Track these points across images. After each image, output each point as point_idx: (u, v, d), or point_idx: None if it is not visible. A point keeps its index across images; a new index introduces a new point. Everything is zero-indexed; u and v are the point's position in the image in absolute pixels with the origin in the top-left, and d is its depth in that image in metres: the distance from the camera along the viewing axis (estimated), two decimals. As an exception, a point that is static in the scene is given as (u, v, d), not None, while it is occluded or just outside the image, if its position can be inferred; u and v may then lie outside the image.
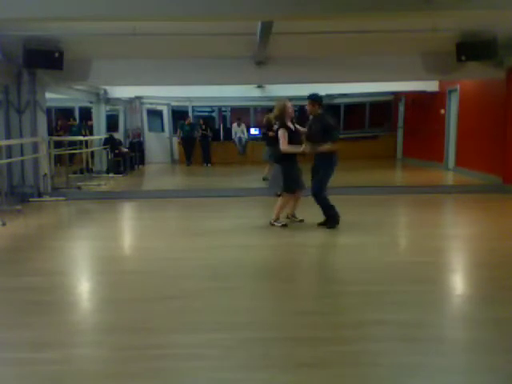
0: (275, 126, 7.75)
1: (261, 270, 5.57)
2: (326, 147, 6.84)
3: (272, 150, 9.08)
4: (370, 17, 7.27)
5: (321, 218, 7.13)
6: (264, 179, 11.33)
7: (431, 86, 14.58)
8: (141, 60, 10.53)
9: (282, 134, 7.00)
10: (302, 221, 7.47)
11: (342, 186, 10.51)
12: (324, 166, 6.99)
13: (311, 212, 7.31)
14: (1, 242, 6.83)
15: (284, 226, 7.20)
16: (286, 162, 7.13)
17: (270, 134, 9.68)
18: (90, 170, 13.51)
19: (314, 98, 7.10)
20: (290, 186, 7.17)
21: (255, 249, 6.34)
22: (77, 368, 3.32)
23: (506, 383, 3.12)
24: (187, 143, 17.25)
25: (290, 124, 7.15)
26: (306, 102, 7.19)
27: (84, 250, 6.65)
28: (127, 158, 15.07)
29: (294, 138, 7.04)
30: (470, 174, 12.25)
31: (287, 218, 7.47)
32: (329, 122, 7.08)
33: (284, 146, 6.99)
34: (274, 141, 7.45)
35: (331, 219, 7.08)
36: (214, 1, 6.47)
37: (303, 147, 6.96)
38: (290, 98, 7.80)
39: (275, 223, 7.23)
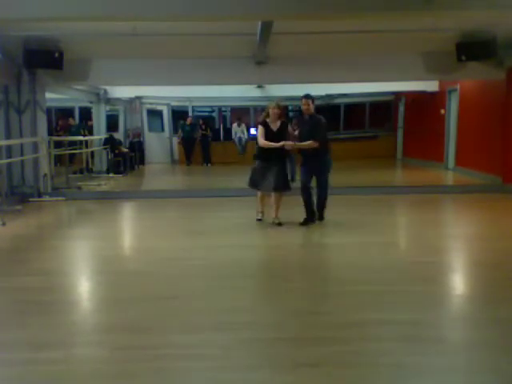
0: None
1: (261, 269, 5.58)
2: (308, 143, 7.01)
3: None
4: (370, 17, 7.27)
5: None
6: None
7: (431, 85, 14.56)
8: (141, 60, 10.51)
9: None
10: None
11: (342, 186, 10.52)
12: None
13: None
14: (1, 242, 6.83)
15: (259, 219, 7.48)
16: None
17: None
18: (89, 170, 13.50)
19: (312, 97, 7.23)
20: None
21: (255, 249, 6.35)
22: (77, 368, 3.32)
23: (506, 383, 3.13)
24: (187, 143, 17.24)
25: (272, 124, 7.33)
26: None
27: (84, 250, 6.65)
28: (127, 157, 15.05)
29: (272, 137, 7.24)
30: (470, 173, 12.24)
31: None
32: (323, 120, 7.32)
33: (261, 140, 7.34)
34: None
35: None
36: (213, 1, 6.47)
37: (281, 143, 7.13)
38: (290, 98, 7.80)
39: (276, 220, 7.28)
